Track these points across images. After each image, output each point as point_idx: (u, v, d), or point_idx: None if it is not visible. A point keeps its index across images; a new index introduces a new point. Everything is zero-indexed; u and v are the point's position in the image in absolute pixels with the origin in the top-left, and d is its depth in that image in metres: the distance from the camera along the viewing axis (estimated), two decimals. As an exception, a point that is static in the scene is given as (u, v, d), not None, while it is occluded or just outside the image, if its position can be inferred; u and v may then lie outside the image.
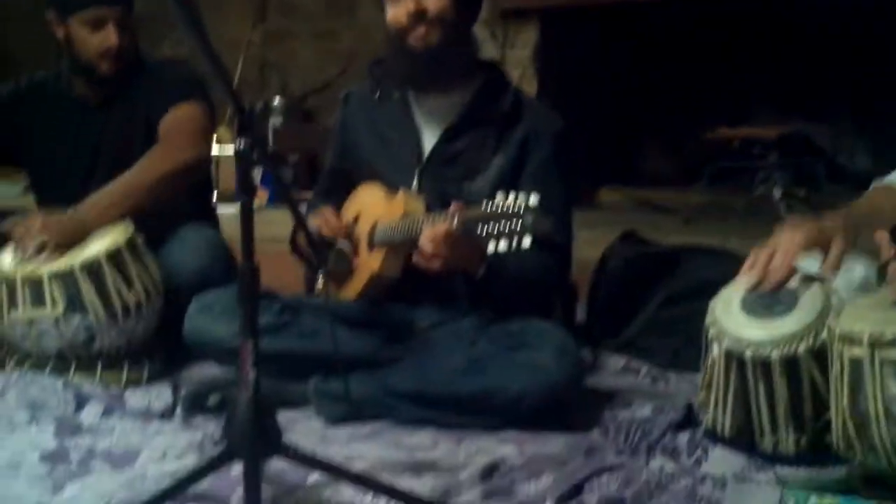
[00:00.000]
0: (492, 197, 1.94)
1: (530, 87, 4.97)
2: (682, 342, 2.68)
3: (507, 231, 1.89)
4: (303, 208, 2.55)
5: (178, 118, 2.78)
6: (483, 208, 1.93)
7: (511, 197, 1.91)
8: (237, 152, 1.67)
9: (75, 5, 2.75)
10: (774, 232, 1.93)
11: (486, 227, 1.91)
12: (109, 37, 2.74)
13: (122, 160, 2.72)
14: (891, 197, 2.02)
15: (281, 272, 2.69)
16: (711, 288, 2.03)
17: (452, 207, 2.03)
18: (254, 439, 1.68)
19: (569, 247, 2.47)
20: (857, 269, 1.91)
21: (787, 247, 1.88)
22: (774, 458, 1.85)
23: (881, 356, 1.62)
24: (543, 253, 2.28)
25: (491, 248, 1.91)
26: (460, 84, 2.45)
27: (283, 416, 1.79)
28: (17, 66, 2.94)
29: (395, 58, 2.43)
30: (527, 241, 1.88)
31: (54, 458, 2.03)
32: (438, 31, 2.34)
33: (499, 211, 1.90)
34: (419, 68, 2.39)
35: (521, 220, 1.87)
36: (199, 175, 2.84)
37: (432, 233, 2.10)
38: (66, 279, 2.46)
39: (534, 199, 1.89)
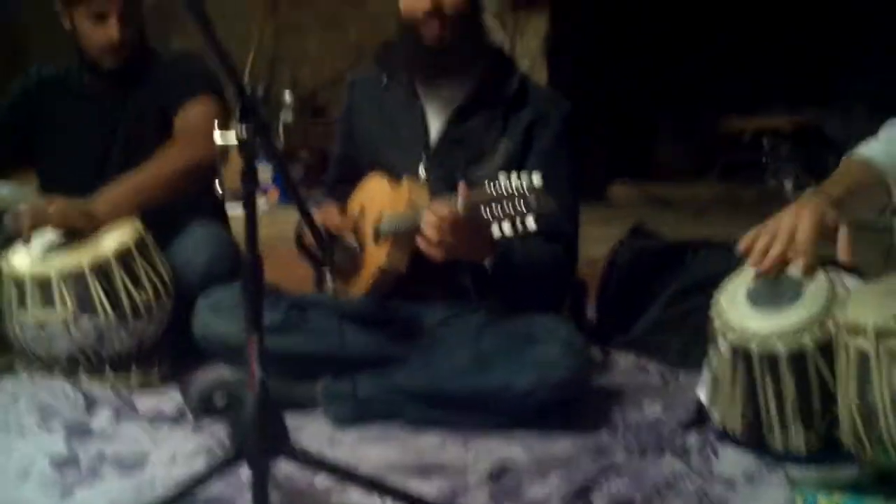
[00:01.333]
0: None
1: (540, 78, 4.94)
2: (691, 338, 2.65)
3: (511, 211, 1.87)
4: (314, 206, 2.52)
5: (193, 115, 2.76)
6: (486, 189, 1.91)
7: (514, 177, 1.90)
8: (239, 138, 1.62)
9: None
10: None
11: (489, 209, 1.89)
12: (111, 31, 2.72)
13: (134, 156, 2.71)
14: (866, 171, 1.98)
15: (292, 272, 2.69)
16: (719, 282, 2.01)
17: (458, 190, 2.01)
18: (260, 440, 1.66)
19: (575, 234, 2.45)
20: None
21: (791, 227, 1.85)
22: (785, 457, 1.83)
23: (887, 347, 1.60)
24: (549, 241, 2.27)
25: (496, 231, 1.90)
26: (468, 69, 2.43)
27: (292, 418, 1.78)
28: (34, 59, 2.94)
29: (406, 48, 2.41)
30: (530, 222, 1.87)
31: (64, 463, 2.03)
32: (453, 26, 2.33)
33: (502, 191, 1.89)
34: (431, 61, 2.38)
35: (523, 200, 1.86)
36: (213, 172, 2.79)
37: (437, 218, 2.07)
38: (76, 279, 2.45)
39: (537, 179, 1.88)
